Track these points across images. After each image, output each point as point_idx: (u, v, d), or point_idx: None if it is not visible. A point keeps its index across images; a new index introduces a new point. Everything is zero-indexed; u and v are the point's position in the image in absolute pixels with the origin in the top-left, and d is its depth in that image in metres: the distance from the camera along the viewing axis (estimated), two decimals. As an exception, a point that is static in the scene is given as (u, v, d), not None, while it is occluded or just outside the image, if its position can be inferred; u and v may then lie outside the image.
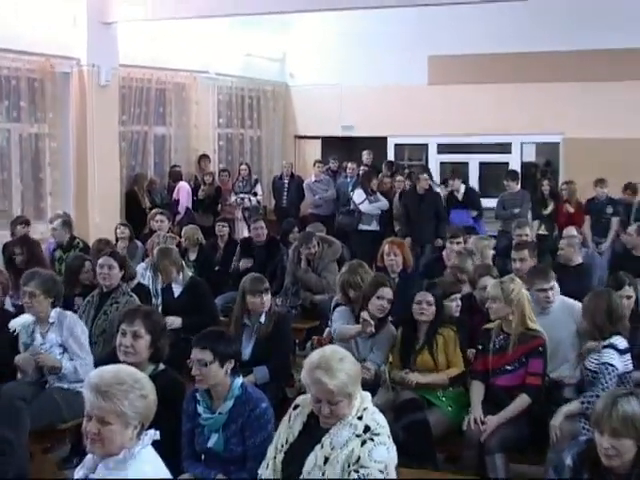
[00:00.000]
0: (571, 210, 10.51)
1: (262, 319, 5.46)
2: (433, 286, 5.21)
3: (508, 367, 4.77)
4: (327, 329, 6.09)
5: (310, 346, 6.28)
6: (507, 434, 4.55)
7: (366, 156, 13.10)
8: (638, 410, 3.09)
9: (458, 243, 7.17)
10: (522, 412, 4.65)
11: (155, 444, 2.87)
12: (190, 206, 11.68)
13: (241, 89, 13.63)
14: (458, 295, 5.55)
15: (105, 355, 4.74)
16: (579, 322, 5.05)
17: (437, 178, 12.44)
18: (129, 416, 2.76)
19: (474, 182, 13.16)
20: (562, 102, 12.40)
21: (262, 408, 3.79)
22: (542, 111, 12.53)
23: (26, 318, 5.17)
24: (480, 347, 4.93)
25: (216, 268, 8.76)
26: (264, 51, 13.89)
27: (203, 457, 3.87)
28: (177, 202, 11.49)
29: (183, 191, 11.62)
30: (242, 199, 12.40)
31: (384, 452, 3.19)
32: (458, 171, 11.47)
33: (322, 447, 3.22)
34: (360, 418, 3.23)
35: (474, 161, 13.47)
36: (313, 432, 3.28)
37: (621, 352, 4.58)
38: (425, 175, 10.54)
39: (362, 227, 11.09)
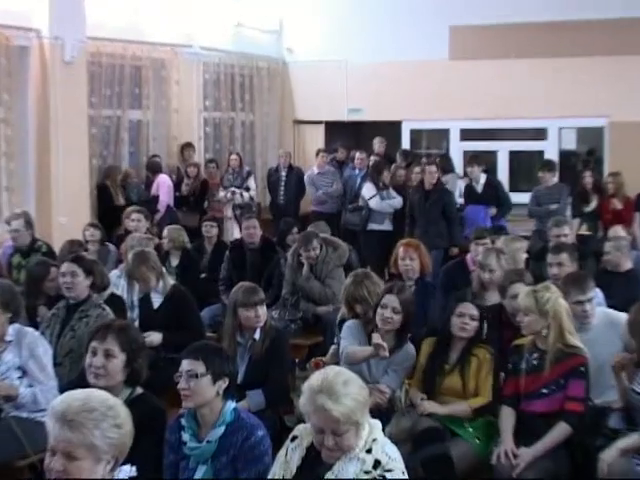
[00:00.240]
0: (618, 206, 10.51)
1: (256, 336, 5.47)
2: (475, 297, 5.26)
3: (544, 390, 4.78)
4: (332, 347, 6.11)
5: (307, 368, 6.28)
6: (543, 469, 4.56)
7: (378, 144, 13.11)
8: None
9: (484, 245, 7.18)
10: (561, 443, 4.66)
11: (132, 482, 2.88)
12: (172, 203, 11.70)
13: (231, 66, 13.63)
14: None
15: (72, 378, 4.74)
16: (627, 339, 5.06)
17: (461, 170, 12.46)
18: (101, 450, 2.77)
19: (503, 174, 13.16)
20: (607, 79, 12.40)
21: (258, 437, 3.79)
22: (584, 90, 12.51)
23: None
24: (510, 367, 4.94)
25: (202, 275, 8.78)
26: (257, 21, 13.91)
27: (188, 495, 3.89)
28: (156, 198, 11.51)
29: (163, 186, 11.64)
30: (232, 195, 12.40)
31: (398, 492, 3.20)
32: (477, 157, 11.34)
33: (325, 485, 3.23)
34: (369, 451, 3.24)
35: (503, 150, 13.46)
36: (314, 468, 3.29)
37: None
38: (433, 167, 10.46)
39: (372, 227, 11.09)
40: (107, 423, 2.79)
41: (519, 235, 8.37)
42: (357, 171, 12.31)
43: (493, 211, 10.72)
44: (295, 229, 9.11)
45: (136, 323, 6.52)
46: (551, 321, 4.78)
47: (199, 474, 3.82)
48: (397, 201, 11.06)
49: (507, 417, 4.83)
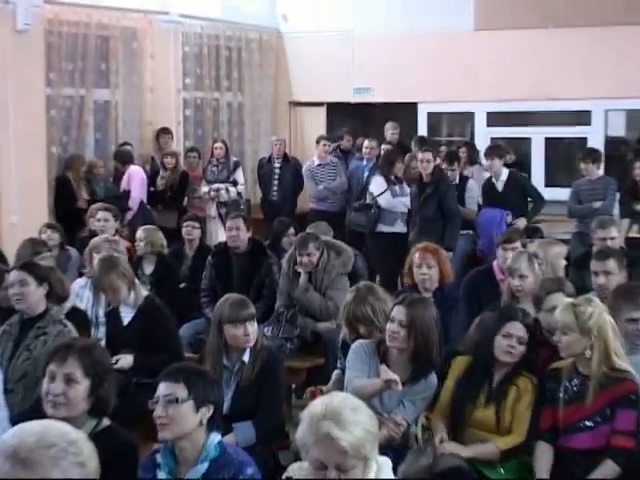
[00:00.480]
0: (676, 204, 10.54)
1: (245, 357, 5.47)
2: (527, 315, 5.24)
3: (587, 422, 4.79)
4: (335, 372, 6.08)
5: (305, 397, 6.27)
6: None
7: (391, 130, 13.12)
8: None
9: (514, 249, 7.18)
10: (607, 485, 4.66)
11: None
12: (145, 199, 11.72)
13: (215, 37, 13.65)
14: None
15: (26, 408, 4.73)
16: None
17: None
18: (60, 492, 2.77)
19: (538, 166, 13.17)
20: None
21: (247, 475, 3.80)
22: (634, 66, 12.53)
23: None
24: (547, 395, 4.94)
25: (181, 285, 8.78)
26: (247, -16, 13.99)
27: None
28: (127, 194, 11.52)
29: (136, 179, 11.64)
30: (217, 190, 12.42)
31: None
32: (499, 147, 11.25)
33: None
34: (377, 494, 3.23)
35: (538, 136, 13.48)
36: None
37: None
38: (427, 154, 10.27)
39: (382, 228, 11.09)
40: (68, 461, 2.78)
41: (557, 238, 8.38)
42: (365, 162, 12.31)
43: (510, 218, 10.50)
44: (291, 230, 9.12)
45: (102, 342, 6.51)
46: (595, 341, 4.78)
47: (177, 520, 3.83)
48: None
49: (543, 454, 4.84)
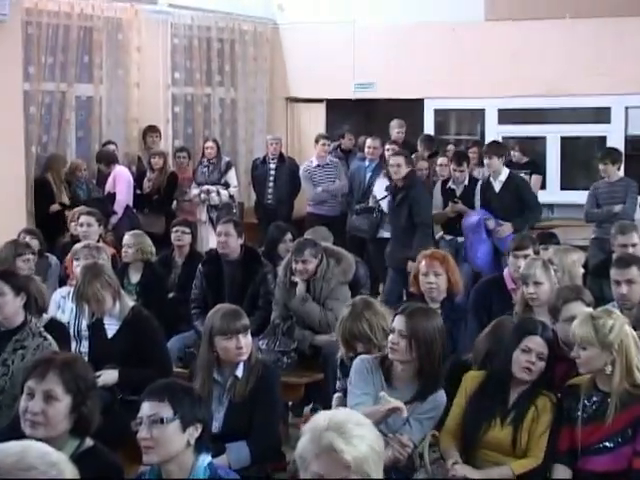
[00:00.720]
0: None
1: (238, 372, 5.46)
2: (546, 329, 5.23)
3: (607, 443, 4.78)
4: (336, 395, 6.04)
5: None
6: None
7: (396, 129, 13.11)
8: None
9: (526, 257, 7.17)
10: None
11: None
12: (131, 203, 11.71)
13: (206, 29, 13.67)
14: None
15: (3, 427, 4.72)
16: None
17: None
18: (39, 518, 2.76)
19: (554, 167, 13.17)
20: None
21: (239, 500, 3.80)
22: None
23: None
24: (565, 413, 4.93)
25: (170, 295, 8.78)
26: (240, -29, 14.00)
27: None
28: (112, 197, 11.52)
29: (121, 181, 11.64)
30: (207, 192, 12.42)
31: None
32: (498, 145, 11.20)
33: None
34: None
35: (554, 135, 13.50)
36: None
37: None
38: (399, 158, 10.18)
39: (385, 234, 11.09)
40: (48, 484, 2.78)
41: (574, 245, 8.37)
42: (367, 163, 12.28)
43: (491, 223, 10.37)
44: (289, 236, 9.10)
45: (85, 357, 6.49)
46: (616, 356, 4.77)
47: None
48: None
49: (561, 477, 4.81)
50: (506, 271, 7.40)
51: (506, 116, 13.72)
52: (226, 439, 5.30)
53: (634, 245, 7.66)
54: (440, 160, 11.76)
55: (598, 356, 4.80)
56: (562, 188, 12.61)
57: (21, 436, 3.68)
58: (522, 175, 11.49)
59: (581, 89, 12.87)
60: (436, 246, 10.03)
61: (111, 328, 6.73)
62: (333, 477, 3.07)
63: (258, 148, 14.08)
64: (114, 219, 11.25)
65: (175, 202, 12.36)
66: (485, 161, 10.85)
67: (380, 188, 11.12)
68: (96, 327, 6.80)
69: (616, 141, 12.77)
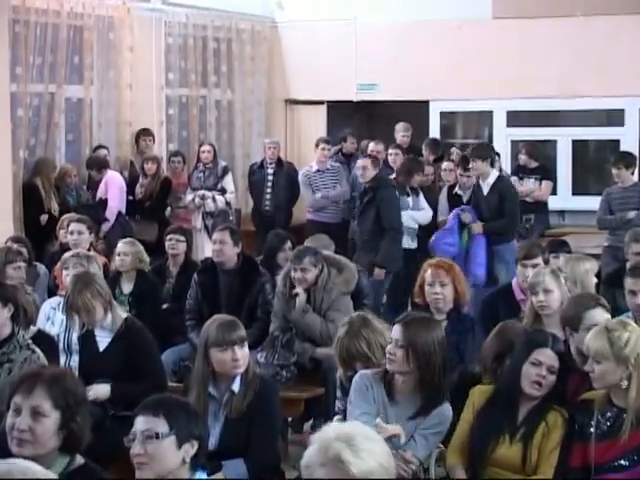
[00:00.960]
0: None
1: (235, 387, 5.46)
2: (557, 341, 5.23)
3: (622, 461, 4.78)
4: (336, 417, 6.02)
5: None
6: None
7: (402, 132, 13.11)
8: None
9: (535, 266, 7.18)
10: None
11: None
12: (124, 209, 11.72)
13: (202, 27, 13.68)
14: None
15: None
16: None
17: (507, 164, 12.47)
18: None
19: (565, 171, 13.17)
20: None
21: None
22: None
23: None
24: (577, 429, 4.93)
25: (164, 306, 8.77)
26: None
27: None
28: (104, 203, 11.52)
29: (113, 186, 11.63)
30: (202, 198, 12.41)
31: None
32: (487, 147, 11.18)
33: None
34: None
35: (565, 138, 13.51)
36: None
37: None
38: (366, 161, 10.36)
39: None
40: (37, 504, 2.79)
41: (586, 253, 8.37)
42: (370, 167, 12.31)
43: (466, 217, 10.44)
44: (288, 244, 9.09)
45: (75, 371, 6.49)
46: (632, 370, 4.77)
47: None
48: (424, 215, 11.05)
49: (572, 496, 4.83)
50: (515, 281, 7.40)
51: (515, 118, 13.74)
52: (222, 456, 5.30)
53: (648, 253, 7.68)
54: (445, 165, 11.79)
55: (613, 370, 4.79)
56: (573, 193, 12.61)
57: (8, 454, 3.68)
58: (531, 180, 11.52)
59: (593, 90, 12.87)
60: (406, 253, 10.37)
61: (103, 341, 6.72)
62: None
63: (256, 152, 14.08)
64: (105, 226, 11.24)
65: (169, 209, 12.36)
66: (470, 164, 10.90)
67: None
68: (87, 339, 6.78)
69: (630, 144, 12.76)
